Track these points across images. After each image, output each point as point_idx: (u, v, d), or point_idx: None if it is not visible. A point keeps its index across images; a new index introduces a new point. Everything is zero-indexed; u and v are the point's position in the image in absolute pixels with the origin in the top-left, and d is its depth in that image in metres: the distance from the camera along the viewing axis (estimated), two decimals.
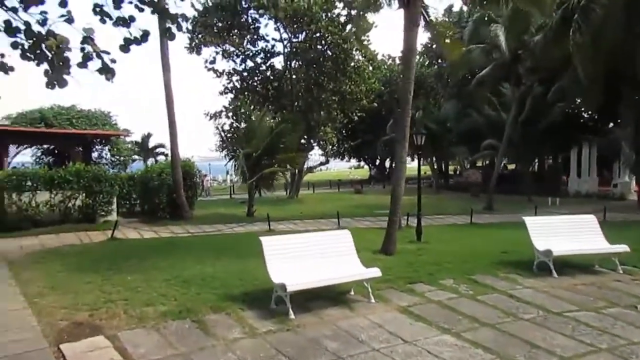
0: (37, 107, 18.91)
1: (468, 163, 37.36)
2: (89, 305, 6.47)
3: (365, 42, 27.55)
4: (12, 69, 9.25)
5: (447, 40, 15.00)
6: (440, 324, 5.82)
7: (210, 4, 24.84)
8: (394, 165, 11.53)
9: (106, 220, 15.58)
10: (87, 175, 14.73)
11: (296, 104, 27.75)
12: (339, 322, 5.93)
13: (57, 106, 19.48)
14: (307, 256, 6.69)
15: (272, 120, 21.73)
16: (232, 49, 27.78)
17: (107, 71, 7.98)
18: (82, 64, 8.06)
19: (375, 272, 6.75)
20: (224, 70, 28.50)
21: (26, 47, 8.87)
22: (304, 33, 26.52)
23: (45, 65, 8.64)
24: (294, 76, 28.16)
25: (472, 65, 23.67)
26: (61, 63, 8.47)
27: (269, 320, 5.93)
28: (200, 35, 26.19)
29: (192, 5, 25.47)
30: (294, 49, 27.60)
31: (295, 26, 25.90)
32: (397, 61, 43.91)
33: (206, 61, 28.22)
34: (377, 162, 53.49)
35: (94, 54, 7.92)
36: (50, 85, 8.52)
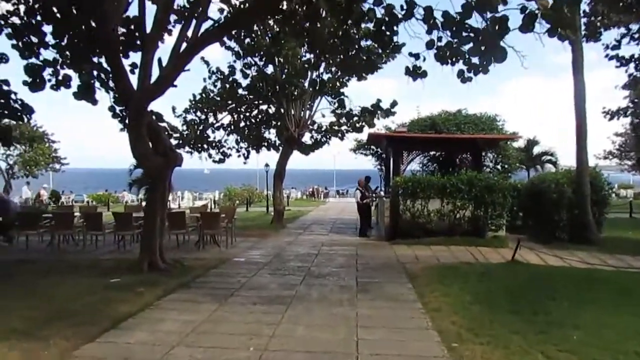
0: (428, 114, 19.27)
1: None
2: None
3: None
4: (471, 78, 7.96)
5: None
6: None
7: None
8: None
9: (495, 235, 13.77)
10: (479, 184, 13.24)
11: None
12: None
13: (444, 112, 19.32)
14: None
15: None
16: None
17: None
18: None
19: None
20: (631, 57, 22.57)
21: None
22: None
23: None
24: None
25: None
26: None
27: None
28: (600, 18, 21.41)
29: None
30: None
31: None
32: None
33: (606, 47, 23.01)
34: None
35: None
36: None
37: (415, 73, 7.58)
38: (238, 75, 17.19)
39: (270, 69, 16.84)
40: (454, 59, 6.81)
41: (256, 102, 17.90)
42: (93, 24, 8.76)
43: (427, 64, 7.65)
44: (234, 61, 16.00)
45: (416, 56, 7.34)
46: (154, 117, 12.22)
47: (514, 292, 7.57)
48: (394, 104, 17.23)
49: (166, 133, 12.32)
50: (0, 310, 6.37)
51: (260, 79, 14.82)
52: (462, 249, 12.27)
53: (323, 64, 14.38)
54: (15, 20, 10.89)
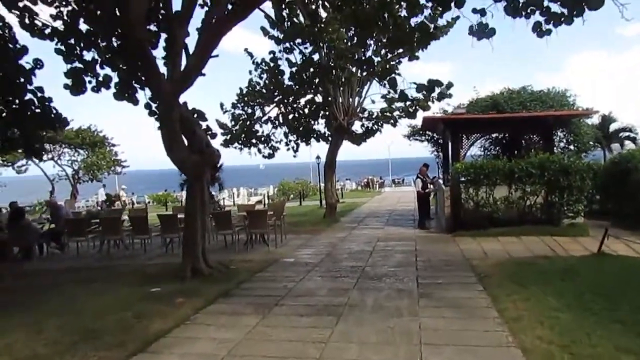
0: (489, 94, 17.66)
1: None
2: None
3: None
4: (550, 31, 6.46)
5: None
6: None
7: None
8: None
9: (572, 223, 12.24)
10: (552, 167, 11.73)
11: None
12: None
13: (506, 90, 17.62)
14: None
15: None
16: None
17: None
18: None
19: None
20: None
21: None
22: None
23: None
24: None
25: None
26: None
27: None
28: None
29: None
30: None
31: None
32: None
33: None
34: None
35: None
36: None
37: (481, 32, 6.39)
38: (283, 65, 16.50)
39: (315, 57, 15.99)
40: (529, 10, 5.63)
41: (302, 92, 17.05)
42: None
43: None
44: (280, 51, 15.15)
45: (481, 12, 6.17)
46: (195, 115, 11.72)
47: (609, 294, 6.28)
48: (449, 85, 15.83)
49: (208, 133, 11.77)
50: (32, 329, 5.96)
51: (305, 65, 13.85)
52: (536, 240, 10.92)
53: (372, 44, 13.20)
54: (58, 24, 10.74)
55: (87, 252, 12.31)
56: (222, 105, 19.96)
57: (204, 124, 11.83)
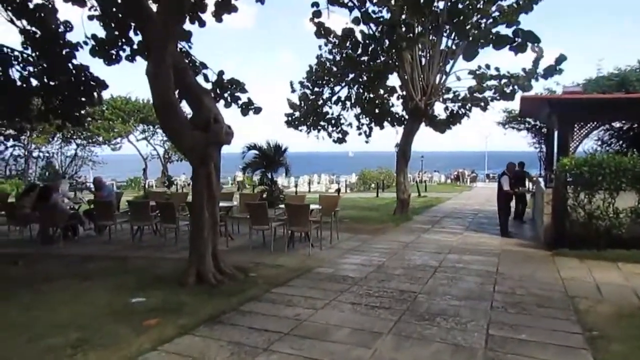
0: (614, 70, 13.81)
1: None
2: None
3: None
4: None
5: None
6: None
7: None
8: None
9: None
10: None
11: None
12: None
13: None
14: None
15: None
16: None
17: None
18: None
19: None
20: None
21: None
22: None
23: None
24: None
25: None
26: None
27: None
28: None
29: None
30: None
31: None
32: None
33: None
34: None
35: None
36: None
37: None
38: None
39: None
40: None
41: (372, 63, 14.47)
42: None
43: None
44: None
45: None
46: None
47: None
48: (561, 58, 12.39)
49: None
50: None
51: (366, 20, 11.12)
52: None
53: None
54: None
55: (117, 238, 11.13)
56: (291, 83, 18.18)
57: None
